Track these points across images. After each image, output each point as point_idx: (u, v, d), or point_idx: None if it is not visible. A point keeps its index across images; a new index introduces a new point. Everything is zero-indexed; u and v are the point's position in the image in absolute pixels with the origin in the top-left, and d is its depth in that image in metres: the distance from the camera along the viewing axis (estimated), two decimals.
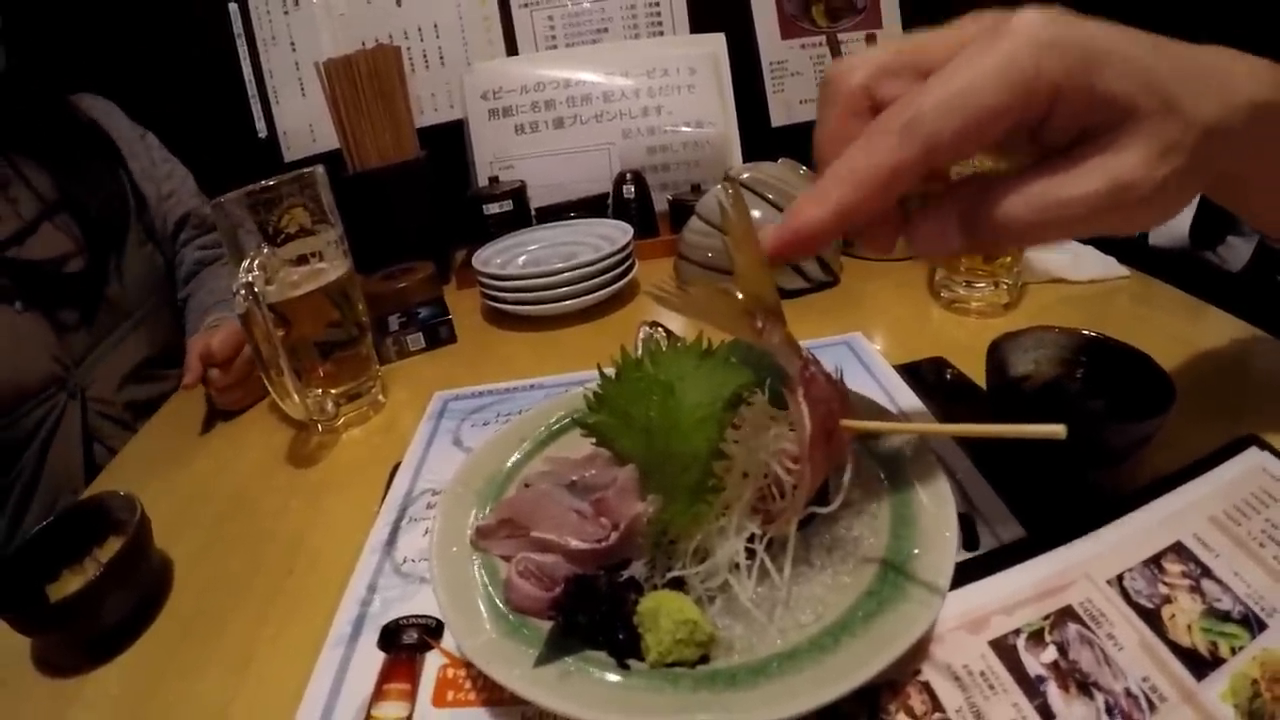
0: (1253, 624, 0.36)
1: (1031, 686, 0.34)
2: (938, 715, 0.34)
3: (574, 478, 0.44)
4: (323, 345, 0.70)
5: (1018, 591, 0.39)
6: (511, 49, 1.23)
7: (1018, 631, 0.37)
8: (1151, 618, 0.37)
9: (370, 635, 0.45)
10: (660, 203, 1.10)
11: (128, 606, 0.50)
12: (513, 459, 0.51)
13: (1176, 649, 0.35)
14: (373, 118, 1.03)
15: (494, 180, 1.13)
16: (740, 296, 0.37)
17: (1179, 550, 0.40)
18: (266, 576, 0.53)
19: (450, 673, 0.41)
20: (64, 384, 0.87)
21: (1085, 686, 0.34)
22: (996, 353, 0.51)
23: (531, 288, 0.85)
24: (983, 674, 0.35)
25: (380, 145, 1.04)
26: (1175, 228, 0.85)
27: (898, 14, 1.23)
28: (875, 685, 0.34)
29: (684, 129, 1.15)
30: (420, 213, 1.07)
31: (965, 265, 0.74)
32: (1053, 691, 0.34)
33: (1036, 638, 0.36)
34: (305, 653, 0.44)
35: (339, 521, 0.57)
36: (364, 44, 1.13)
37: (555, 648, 0.35)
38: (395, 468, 0.62)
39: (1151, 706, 0.33)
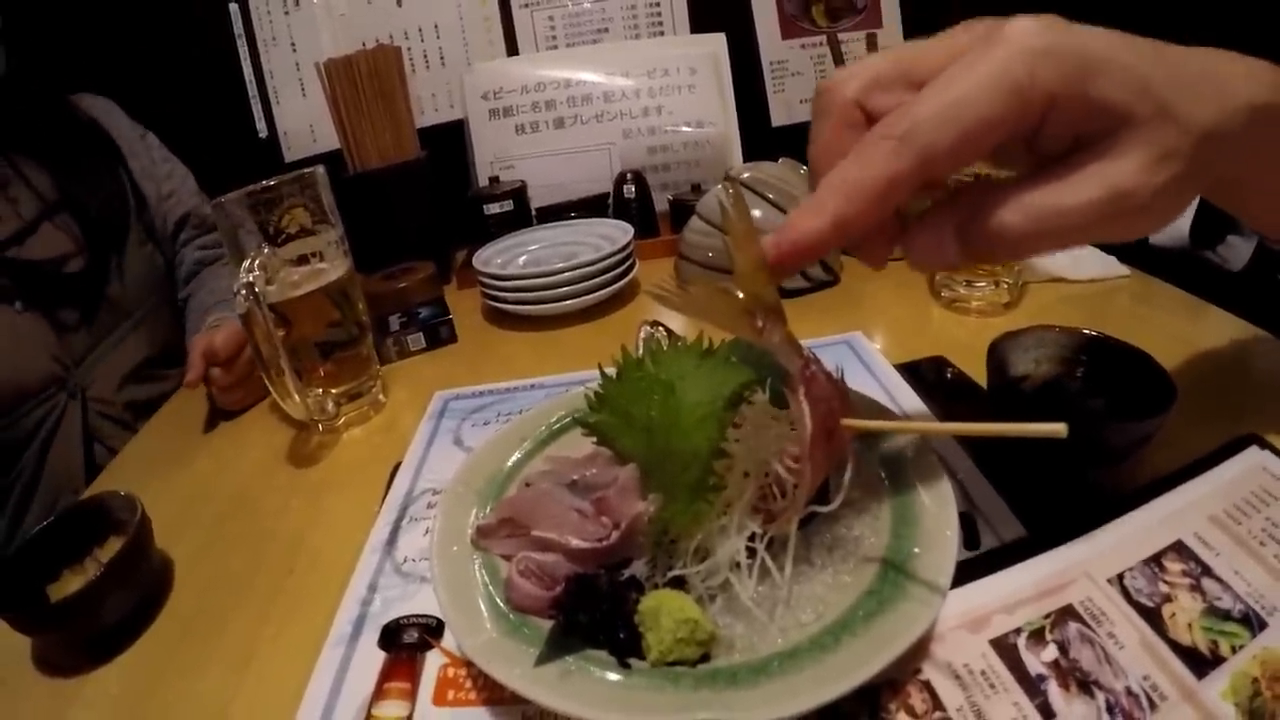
0: (1253, 623, 0.36)
1: (1032, 685, 0.34)
2: (938, 714, 0.34)
3: (575, 477, 0.44)
4: (323, 345, 0.70)
5: (1018, 590, 0.39)
6: (512, 49, 1.23)
7: (1018, 630, 0.37)
8: (1152, 616, 0.37)
9: (371, 634, 0.45)
10: (661, 202, 1.10)
11: (128, 606, 0.50)
12: (513, 458, 0.51)
13: (1177, 648, 0.35)
14: (373, 118, 1.03)
15: (494, 180, 1.13)
16: (740, 296, 0.37)
17: (1179, 549, 0.40)
18: (267, 576, 0.53)
19: (451, 672, 0.41)
20: (64, 384, 0.87)
21: (1086, 685, 0.34)
22: (997, 352, 0.51)
23: (532, 287, 0.85)
24: (983, 673, 0.35)
25: (381, 145, 1.04)
26: (1175, 227, 0.85)
27: (898, 14, 1.23)
28: (876, 684, 0.34)
29: (684, 129, 1.16)
30: (420, 213, 1.07)
31: None
32: (1053, 690, 0.34)
33: (1037, 636, 0.36)
34: (306, 652, 0.44)
35: (340, 521, 0.57)
36: (364, 44, 1.13)
37: (556, 647, 0.35)
38: (396, 467, 0.62)
39: (1152, 705, 0.33)
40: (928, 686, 0.35)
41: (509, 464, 0.50)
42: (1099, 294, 0.75)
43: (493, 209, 1.05)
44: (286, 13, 1.20)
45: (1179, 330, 0.64)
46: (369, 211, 1.01)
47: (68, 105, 0.99)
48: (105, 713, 0.45)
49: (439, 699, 0.40)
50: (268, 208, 0.65)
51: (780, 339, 0.38)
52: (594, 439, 0.43)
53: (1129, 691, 0.33)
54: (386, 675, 0.42)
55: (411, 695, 0.40)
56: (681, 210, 1.01)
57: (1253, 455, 0.45)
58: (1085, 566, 0.39)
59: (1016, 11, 0.30)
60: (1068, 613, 0.37)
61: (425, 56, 1.22)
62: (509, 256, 0.95)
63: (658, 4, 1.22)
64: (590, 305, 0.86)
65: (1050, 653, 0.36)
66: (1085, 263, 0.77)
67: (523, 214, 1.08)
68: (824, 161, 0.34)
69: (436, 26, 1.22)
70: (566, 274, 0.84)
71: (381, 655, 0.43)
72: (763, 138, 1.22)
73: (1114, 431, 0.45)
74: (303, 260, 0.68)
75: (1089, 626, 0.37)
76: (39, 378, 0.84)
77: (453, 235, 1.14)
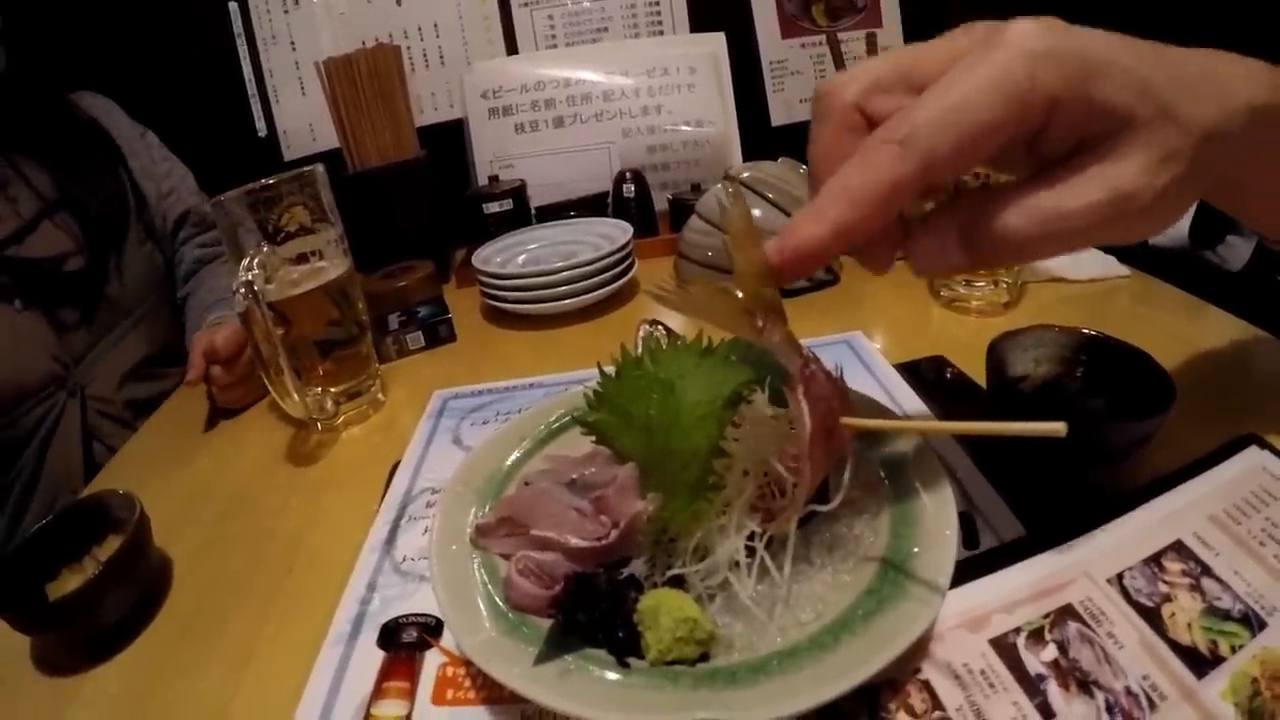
0: (1253, 622, 0.36)
1: (1032, 685, 0.34)
2: (938, 714, 0.34)
3: (574, 476, 0.44)
4: (322, 344, 0.70)
5: (1018, 590, 0.39)
6: (511, 48, 1.23)
7: (1018, 630, 0.37)
8: (1152, 616, 0.37)
9: (370, 633, 0.45)
10: (660, 202, 1.10)
11: (127, 605, 0.50)
12: (512, 457, 0.51)
13: (1177, 647, 0.35)
14: (373, 117, 1.03)
15: (494, 179, 1.13)
16: (740, 295, 0.37)
17: (1179, 549, 0.40)
18: (266, 575, 0.53)
19: (450, 671, 0.41)
20: (63, 383, 0.87)
21: (1085, 685, 0.34)
22: (996, 352, 0.51)
23: (531, 286, 0.85)
24: (983, 672, 0.35)
25: (380, 144, 1.04)
26: (1175, 228, 0.85)
27: (897, 14, 1.23)
28: (875, 683, 0.34)
29: (684, 128, 1.15)
30: (420, 212, 1.07)
31: None
32: (1053, 690, 0.34)
33: (1037, 636, 0.36)
34: (305, 651, 0.44)
35: (339, 520, 0.57)
36: (364, 43, 1.14)
37: (555, 646, 0.35)
38: (395, 466, 0.62)
39: (1152, 705, 0.33)
40: (927, 686, 0.35)
41: (508, 463, 0.50)
42: (1099, 294, 0.75)
43: (492, 208, 1.05)
44: (286, 12, 1.19)
45: (1179, 330, 0.64)
46: (368, 210, 1.01)
47: (67, 104, 0.99)
48: (105, 712, 0.45)
49: (438, 698, 0.40)
50: (267, 206, 0.65)
51: (780, 338, 0.38)
52: (593, 438, 0.43)
53: (1128, 691, 0.33)
54: (385, 674, 0.42)
55: (410, 694, 0.40)
56: (681, 209, 1.01)
57: (1252, 455, 0.45)
58: (1085, 566, 0.39)
59: (1016, 12, 0.30)
60: (1067, 612, 0.37)
61: (425, 55, 1.22)
62: (508, 255, 0.95)
63: (657, 3, 1.22)
64: (589, 304, 0.86)
65: (1050, 652, 0.36)
66: (1085, 263, 0.77)
67: (522, 213, 1.07)
68: (824, 165, 0.34)
69: (436, 25, 1.22)
70: (566, 273, 0.83)
71: (380, 654, 0.43)
72: (762, 137, 1.22)
73: (1114, 431, 0.45)
74: (302, 259, 0.68)
75: (1088, 626, 0.37)
76: (38, 376, 0.84)
77: (452, 234, 1.14)
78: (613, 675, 0.34)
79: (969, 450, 0.51)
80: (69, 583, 0.51)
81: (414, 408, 0.71)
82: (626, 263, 0.89)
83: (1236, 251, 0.82)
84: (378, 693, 0.41)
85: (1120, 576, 0.39)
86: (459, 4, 1.21)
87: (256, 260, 0.60)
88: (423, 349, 0.85)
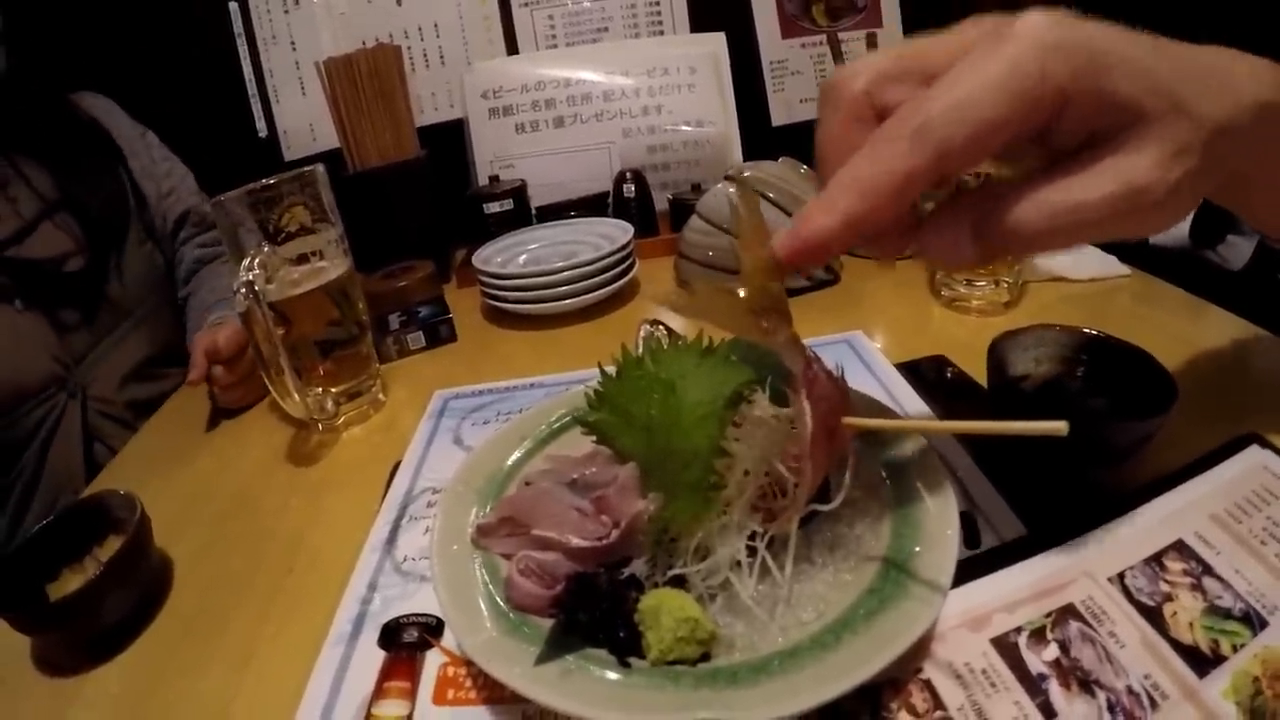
0: (1254, 622, 0.36)
1: (1033, 684, 0.34)
2: (939, 713, 0.34)
3: (575, 476, 0.44)
4: (323, 344, 0.70)
5: (1019, 589, 0.39)
6: (512, 48, 1.23)
7: (1019, 629, 0.37)
8: (1153, 615, 0.37)
9: (370, 633, 0.45)
10: (660, 202, 1.10)
11: (128, 605, 0.50)
12: (513, 457, 0.51)
13: (1178, 647, 0.35)
14: (373, 117, 1.03)
15: (494, 179, 1.13)
16: (747, 296, 0.37)
17: (1180, 548, 0.40)
18: (267, 575, 0.53)
19: (451, 671, 0.41)
20: (64, 383, 0.87)
21: (1087, 684, 0.34)
22: (997, 351, 0.51)
23: (532, 286, 0.85)
24: (984, 672, 0.35)
25: (380, 144, 1.04)
26: (1176, 227, 0.85)
27: (898, 13, 1.23)
28: (877, 683, 0.34)
29: (684, 128, 1.15)
30: (420, 212, 1.07)
31: None
32: (1054, 689, 0.34)
33: (1038, 635, 0.36)
34: (306, 651, 0.44)
35: (339, 520, 0.57)
36: (364, 43, 1.14)
37: (556, 646, 0.35)
38: (395, 466, 0.62)
39: (1153, 704, 0.33)
40: (929, 685, 0.35)
41: (509, 463, 0.50)
42: (1099, 293, 0.75)
43: (492, 208, 1.05)
44: (286, 12, 1.19)
45: (1179, 330, 0.64)
46: (369, 210, 1.01)
47: (68, 104, 0.99)
48: (105, 712, 0.45)
49: (439, 698, 0.40)
50: (268, 206, 0.65)
51: (785, 339, 0.37)
52: (594, 438, 0.43)
53: (1130, 690, 0.33)
54: (386, 674, 0.42)
55: (411, 694, 0.40)
56: (681, 209, 1.01)
57: (1253, 454, 0.45)
58: (1086, 565, 0.39)
59: (1014, 11, 0.30)
60: (1069, 612, 0.37)
61: (425, 55, 1.22)
62: (509, 255, 0.95)
63: (657, 3, 1.22)
64: (590, 304, 0.86)
65: (1051, 652, 0.36)
66: (1086, 262, 0.77)
67: (522, 213, 1.07)
68: (834, 156, 0.34)
69: (436, 25, 1.21)
70: (566, 273, 0.83)
71: (381, 654, 0.43)
72: (763, 137, 1.22)
73: (1115, 430, 0.45)
74: (302, 259, 0.68)
75: (1090, 625, 0.36)
76: (39, 377, 0.84)
77: (452, 234, 1.14)
78: (614, 675, 0.34)
79: (970, 450, 0.51)
80: (70, 583, 0.51)
81: (415, 408, 0.71)
82: (627, 263, 0.89)
83: (1237, 251, 0.81)
84: (378, 693, 0.41)
85: (1121, 576, 0.39)
86: (459, 4, 1.21)
87: (257, 260, 0.60)
88: (423, 349, 0.85)
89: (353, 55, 1.02)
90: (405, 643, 0.44)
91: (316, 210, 0.68)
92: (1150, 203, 0.29)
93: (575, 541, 0.39)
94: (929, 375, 0.63)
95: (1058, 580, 0.39)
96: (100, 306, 0.92)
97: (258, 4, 1.19)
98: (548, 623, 0.37)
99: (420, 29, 1.21)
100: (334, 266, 0.69)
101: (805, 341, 0.38)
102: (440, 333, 0.86)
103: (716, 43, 1.19)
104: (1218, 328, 0.63)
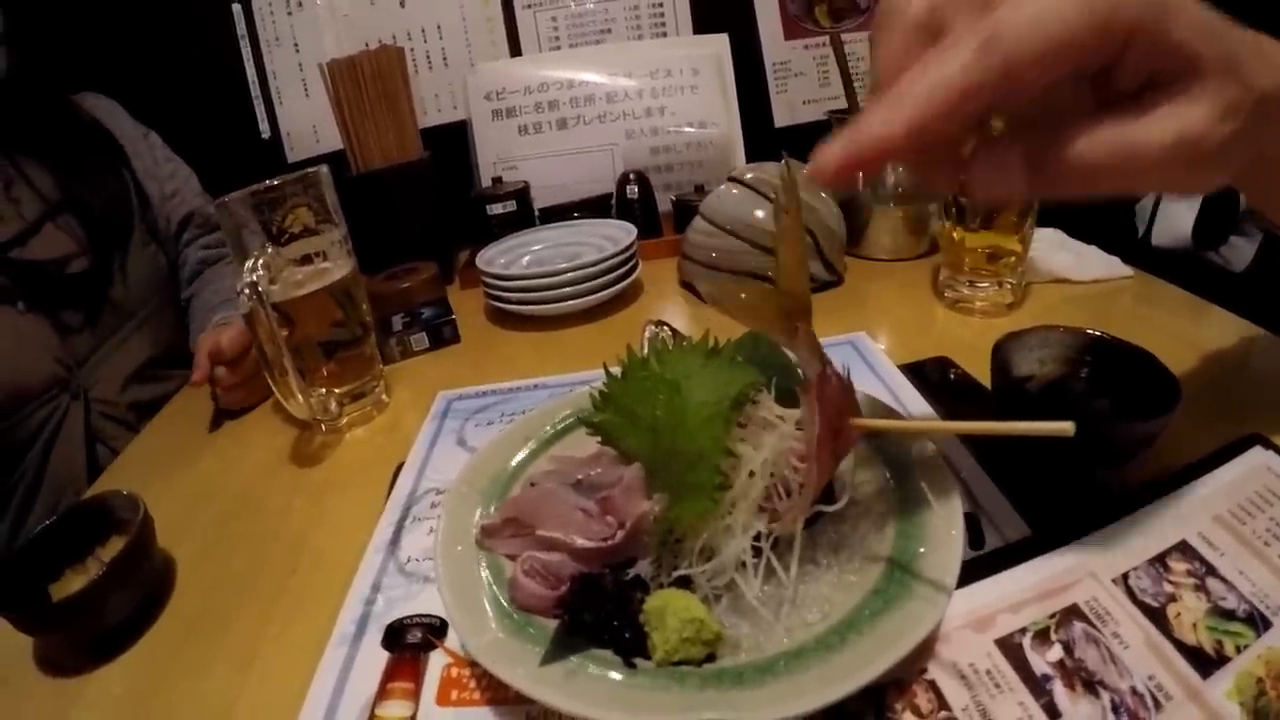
0: (1258, 623, 0.36)
1: (1037, 685, 0.34)
2: (944, 714, 0.34)
3: (579, 476, 0.44)
4: (327, 345, 0.70)
5: (1023, 590, 0.39)
6: (515, 50, 1.23)
7: (1023, 630, 0.37)
8: (1157, 616, 0.37)
9: (374, 634, 0.45)
10: (664, 203, 1.10)
11: (130, 606, 0.50)
12: (518, 458, 0.51)
13: (1182, 647, 0.35)
14: (376, 118, 1.04)
15: (497, 181, 1.13)
16: (781, 294, 0.37)
17: (1184, 549, 0.40)
18: (270, 576, 0.53)
19: (454, 672, 0.41)
20: (67, 385, 0.87)
21: (1091, 685, 0.34)
22: (1001, 352, 0.51)
23: (535, 288, 0.85)
24: (989, 672, 0.35)
25: (384, 146, 1.05)
26: (1178, 228, 0.85)
27: None
28: (882, 684, 0.34)
29: (687, 129, 1.16)
30: (424, 213, 1.07)
31: (969, 265, 0.74)
32: (1059, 690, 0.34)
33: (1042, 636, 0.36)
34: (309, 652, 0.44)
35: (343, 521, 0.57)
36: (367, 45, 1.14)
37: (561, 646, 0.35)
38: (399, 467, 0.62)
39: (1157, 705, 0.33)
40: (933, 686, 0.35)
41: (513, 464, 0.50)
42: (1102, 294, 0.75)
43: (496, 209, 1.06)
44: (289, 13, 1.20)
45: (1182, 331, 0.64)
46: (372, 212, 1.01)
47: (70, 105, 0.99)
48: (108, 713, 0.45)
49: (442, 699, 0.40)
50: (271, 207, 0.65)
51: (805, 340, 0.38)
52: (599, 438, 0.43)
53: (1134, 691, 0.33)
54: (390, 675, 0.42)
55: (415, 695, 0.40)
56: (684, 210, 1.01)
57: (1257, 455, 0.45)
58: (1090, 566, 0.39)
59: None
60: (1073, 612, 0.37)
61: (428, 57, 1.23)
62: (512, 257, 0.95)
63: (660, 5, 1.22)
64: (593, 305, 0.86)
65: (1055, 652, 0.36)
66: (1089, 263, 0.77)
67: (526, 214, 1.08)
68: (894, 71, 0.32)
69: (439, 27, 1.22)
70: (569, 274, 0.84)
71: (385, 655, 0.43)
72: (765, 138, 1.22)
73: (1118, 431, 0.45)
74: (306, 260, 0.68)
75: (1094, 626, 0.36)
76: (41, 379, 0.84)
77: (456, 235, 1.14)
78: (619, 676, 0.34)
79: (974, 451, 0.51)
80: (72, 583, 0.51)
81: (418, 409, 0.71)
82: (630, 264, 0.89)
83: (1240, 252, 0.82)
84: (382, 693, 0.41)
85: (1125, 576, 0.39)
86: (462, 5, 1.21)
87: (261, 261, 0.60)
88: (427, 350, 0.85)
89: (356, 57, 1.02)
90: (409, 643, 0.44)
91: (320, 211, 0.68)
92: (1200, 155, 0.29)
93: (580, 542, 0.39)
94: (933, 376, 0.63)
95: (1062, 581, 0.39)
96: (103, 308, 0.92)
97: (260, 5, 1.19)
98: (552, 623, 0.37)
99: (423, 30, 1.22)
100: (338, 268, 0.69)
101: None
102: (444, 334, 0.86)
103: (719, 44, 1.19)
104: (1221, 329, 0.63)
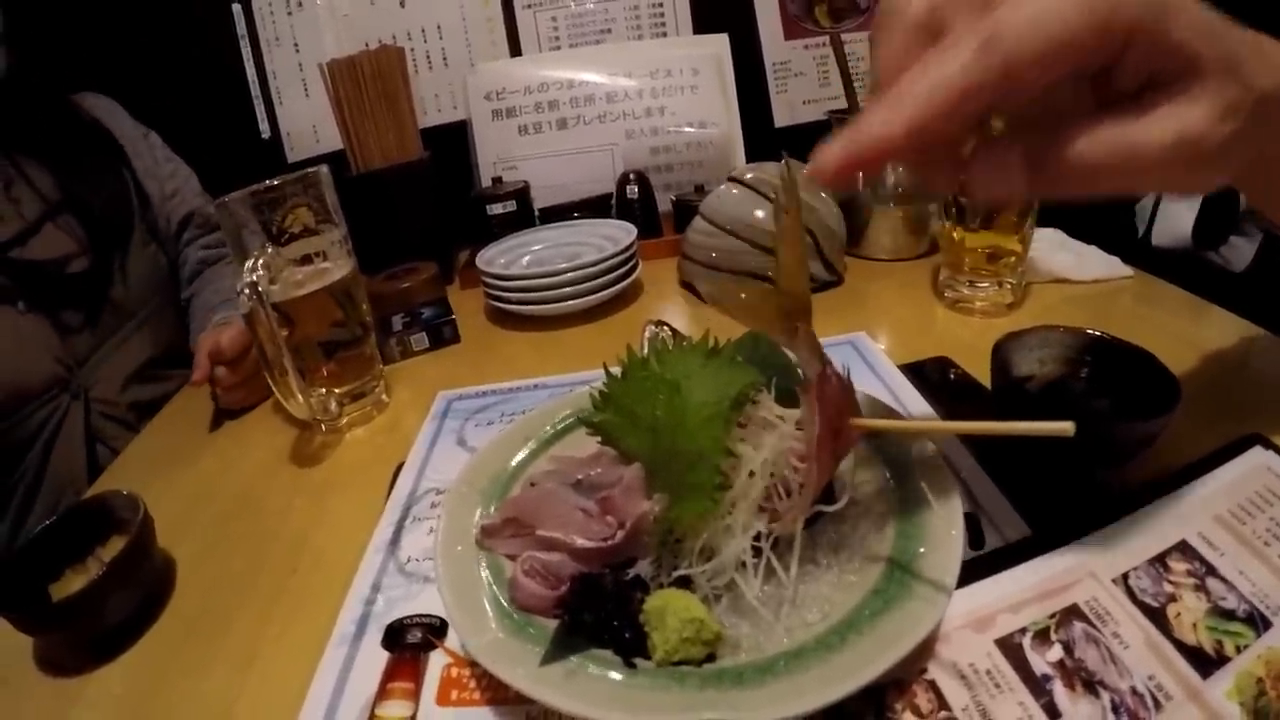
0: (1258, 623, 0.36)
1: (1037, 685, 0.34)
2: (944, 714, 0.34)
3: (579, 476, 0.44)
4: (327, 345, 0.70)
5: (1023, 590, 0.39)
6: (515, 50, 1.23)
7: (1023, 630, 0.37)
8: (1157, 616, 0.37)
9: (374, 634, 0.45)
10: (664, 203, 1.10)
11: (131, 606, 0.50)
12: (518, 458, 0.51)
13: (1182, 647, 0.35)
14: (376, 118, 1.04)
15: (497, 181, 1.13)
16: (782, 295, 0.37)
17: (1184, 549, 0.40)
18: (270, 575, 0.53)
19: (454, 672, 0.41)
20: (67, 385, 0.87)
21: (1091, 685, 0.34)
22: (1001, 352, 0.51)
23: (535, 288, 0.85)
24: (989, 672, 0.35)
25: (384, 146, 1.05)
26: (1178, 228, 0.85)
27: None
28: (882, 684, 0.34)
29: (687, 129, 1.16)
30: (424, 213, 1.07)
31: (969, 265, 0.74)
32: (1059, 690, 0.34)
33: (1042, 636, 0.36)
34: (309, 651, 0.44)
35: (343, 521, 0.57)
36: (367, 45, 1.14)
37: (561, 646, 0.35)
38: (399, 467, 0.62)
39: (1157, 705, 0.33)
40: (933, 686, 0.35)
41: (513, 463, 0.50)
42: (1102, 294, 0.75)
43: (496, 209, 1.06)
44: (289, 13, 1.20)
45: (1182, 331, 0.64)
46: (372, 212, 1.01)
47: (70, 105, 0.99)
48: (108, 713, 0.45)
49: (442, 699, 0.40)
50: (271, 207, 0.65)
51: (806, 340, 0.38)
52: (599, 438, 0.43)
53: (1134, 691, 0.33)
54: (390, 675, 0.42)
55: (415, 695, 0.40)
56: (684, 210, 1.01)
57: (1256, 455, 0.45)
58: (1090, 566, 0.39)
59: None
60: (1073, 612, 0.37)
61: (428, 57, 1.23)
62: (512, 257, 0.95)
63: (660, 5, 1.22)
64: (593, 305, 0.86)
65: (1055, 652, 0.36)
66: (1089, 263, 0.77)
67: (526, 214, 1.08)
68: (893, 72, 0.32)
69: (439, 27, 1.22)
70: (569, 274, 0.84)
71: (385, 655, 0.43)
72: (765, 138, 1.22)
73: (1119, 431, 0.45)
74: (306, 260, 0.68)
75: (1094, 626, 0.36)
76: (41, 379, 0.84)
77: (456, 235, 1.14)
78: (619, 676, 0.34)
79: (973, 451, 0.51)
80: (73, 583, 0.51)
81: (418, 409, 0.71)
82: (630, 264, 0.89)
83: (1239, 252, 0.82)
84: (382, 693, 0.41)
85: (1125, 576, 0.39)
86: (462, 5, 1.21)
87: (261, 261, 0.60)
88: (427, 350, 0.85)
89: (356, 57, 1.02)
90: (409, 643, 0.44)
91: (320, 211, 0.68)
92: (1201, 155, 0.29)
93: (580, 542, 0.39)
94: (933, 376, 0.63)
95: (1062, 581, 0.39)
96: (103, 308, 0.92)
97: (260, 5, 1.19)
98: (552, 624, 0.37)
99: (423, 30, 1.22)
100: (338, 267, 0.69)
101: None
102: (444, 334, 0.86)
103: (719, 44, 1.19)
104: (1220, 329, 0.63)
